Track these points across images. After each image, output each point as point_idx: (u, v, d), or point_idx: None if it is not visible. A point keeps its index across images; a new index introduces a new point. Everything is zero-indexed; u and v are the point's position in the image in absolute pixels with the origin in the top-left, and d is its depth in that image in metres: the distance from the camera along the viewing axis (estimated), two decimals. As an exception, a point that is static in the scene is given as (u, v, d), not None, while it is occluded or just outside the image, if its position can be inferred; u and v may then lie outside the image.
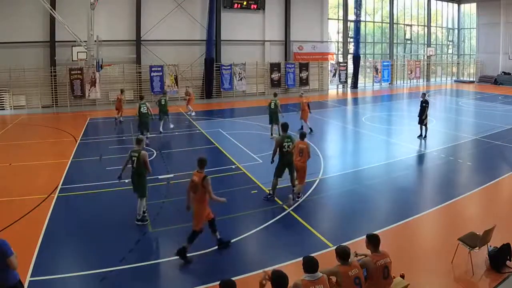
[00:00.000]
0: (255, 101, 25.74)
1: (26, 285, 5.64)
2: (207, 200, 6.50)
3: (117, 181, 8.26)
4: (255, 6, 27.74)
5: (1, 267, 4.29)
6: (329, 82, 32.12)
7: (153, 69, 24.45)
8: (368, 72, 35.66)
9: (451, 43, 41.88)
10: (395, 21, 36.44)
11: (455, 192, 9.44)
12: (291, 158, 8.94)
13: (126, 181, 9.58)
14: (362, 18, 32.96)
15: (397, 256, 5.82)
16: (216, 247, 6.85)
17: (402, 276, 5.31)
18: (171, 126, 17.12)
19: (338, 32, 33.75)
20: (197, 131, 16.70)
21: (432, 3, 38.83)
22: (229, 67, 26.90)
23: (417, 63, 37.12)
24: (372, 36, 36.96)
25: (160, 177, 10.39)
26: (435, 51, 38.58)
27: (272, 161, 9.15)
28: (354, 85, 32.94)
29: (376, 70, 34.59)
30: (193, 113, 20.29)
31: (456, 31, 41.78)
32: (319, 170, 11.01)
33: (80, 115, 20.73)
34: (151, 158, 9.80)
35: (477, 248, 6.05)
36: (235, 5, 27.11)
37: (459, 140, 14.98)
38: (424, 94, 15.26)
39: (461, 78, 40.29)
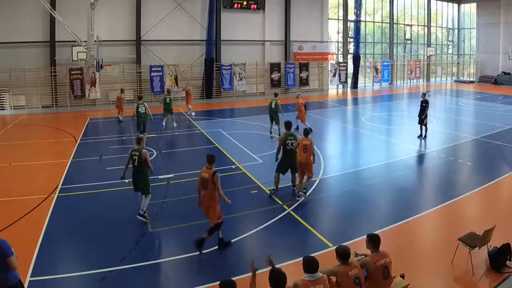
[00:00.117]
0: (255, 101, 25.74)
1: (26, 285, 5.64)
2: (217, 195, 6.66)
3: (119, 181, 8.27)
4: (255, 6, 27.73)
5: (1, 267, 4.29)
6: (329, 82, 32.11)
7: (153, 69, 24.45)
8: (368, 72, 35.66)
9: (451, 43, 41.88)
10: (395, 21, 36.44)
11: (455, 192, 9.45)
12: (294, 155, 9.05)
13: (126, 181, 9.58)
14: (362, 18, 32.96)
15: (397, 256, 5.82)
16: (217, 247, 6.85)
17: (402, 276, 5.31)
18: (175, 124, 17.25)
19: (338, 32, 33.75)
20: (197, 131, 16.71)
21: (432, 3, 38.84)
22: (229, 67, 26.90)
23: (417, 63, 37.12)
24: (372, 36, 36.96)
25: (160, 177, 10.38)
26: (435, 51, 38.58)
27: (277, 159, 9.27)
28: (354, 85, 32.94)
29: (376, 70, 34.60)
30: (193, 113, 20.29)
31: (456, 31, 41.79)
32: (319, 170, 11.00)
33: (80, 115, 20.74)
34: (151, 158, 9.80)
35: (477, 248, 6.05)
36: (235, 5, 27.11)
37: (459, 140, 14.99)
38: (424, 94, 15.26)
39: (461, 78, 40.30)
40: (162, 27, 24.65)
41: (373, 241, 4.91)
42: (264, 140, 14.79)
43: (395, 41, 36.99)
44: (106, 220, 8.07)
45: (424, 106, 14.53)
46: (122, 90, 19.48)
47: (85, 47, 17.87)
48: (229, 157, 12.61)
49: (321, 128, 17.32)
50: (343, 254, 4.58)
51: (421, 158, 12.90)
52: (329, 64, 31.73)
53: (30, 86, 21.87)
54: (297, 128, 15.38)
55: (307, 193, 9.26)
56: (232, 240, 7.05)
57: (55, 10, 19.02)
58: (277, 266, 4.41)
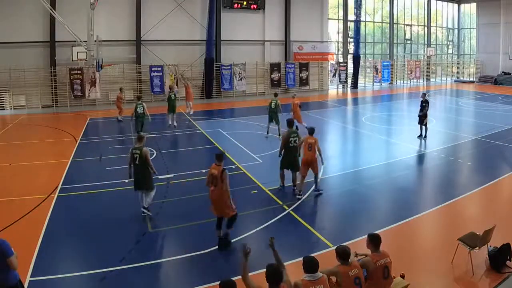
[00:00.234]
0: (255, 101, 25.74)
1: (26, 285, 5.64)
2: (226, 190, 6.79)
3: (119, 181, 8.29)
4: (255, 6, 27.72)
5: (1, 267, 4.29)
6: (329, 82, 32.09)
7: (153, 69, 24.45)
8: (368, 72, 35.65)
9: (451, 43, 41.88)
10: (395, 21, 36.43)
11: (455, 192, 9.45)
12: (295, 153, 9.26)
13: (126, 181, 9.60)
14: (362, 18, 32.94)
15: (397, 256, 5.82)
16: (217, 246, 6.85)
17: (402, 276, 5.31)
18: (175, 124, 17.31)
19: (338, 32, 33.74)
20: (197, 131, 16.71)
21: (432, 3, 38.83)
22: (229, 67, 26.90)
23: (417, 63, 37.11)
24: (372, 36, 36.95)
25: (160, 177, 10.37)
26: (435, 51, 38.57)
27: (280, 155, 9.49)
28: (354, 85, 32.93)
29: (376, 70, 34.59)
30: (191, 112, 20.24)
31: (456, 31, 41.78)
32: (319, 170, 10.98)
33: (80, 115, 20.73)
34: (151, 158, 9.80)
35: (477, 248, 6.05)
36: (235, 5, 27.09)
37: (459, 140, 14.99)
38: (424, 94, 15.26)
39: (461, 78, 40.28)
40: (162, 27, 24.64)
41: (374, 241, 4.92)
42: (264, 140, 14.79)
43: (395, 41, 36.99)
44: (106, 220, 8.06)
45: (424, 106, 14.54)
46: (121, 90, 19.47)
47: (85, 47, 17.86)
48: (229, 157, 12.58)
49: (321, 128, 17.28)
50: (343, 254, 4.58)
51: (421, 158, 12.90)
52: (329, 64, 31.71)
53: (30, 86, 21.87)
54: (297, 128, 15.36)
55: (308, 192, 9.28)
56: (232, 240, 7.05)
57: (55, 10, 19.01)
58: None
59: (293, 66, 29.40)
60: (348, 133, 17.38)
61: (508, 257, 6.23)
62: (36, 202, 8.91)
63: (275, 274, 4.01)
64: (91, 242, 7.14)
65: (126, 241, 7.10)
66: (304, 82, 30.11)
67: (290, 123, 9.65)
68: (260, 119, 18.02)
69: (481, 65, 38.50)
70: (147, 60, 24.53)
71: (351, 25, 32.79)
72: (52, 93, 22.51)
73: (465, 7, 40.66)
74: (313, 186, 9.58)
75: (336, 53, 33.21)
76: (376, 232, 5.48)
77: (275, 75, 28.81)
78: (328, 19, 31.87)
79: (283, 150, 9.42)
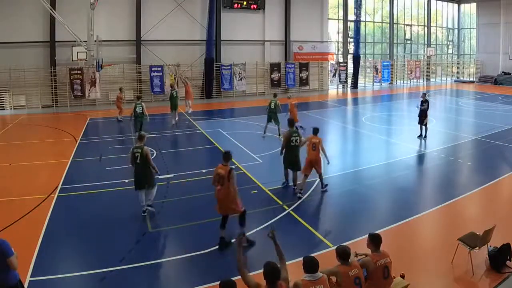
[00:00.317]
0: (255, 101, 25.73)
1: (26, 285, 5.64)
2: (233, 189, 6.84)
3: (119, 181, 8.30)
4: (255, 6, 27.73)
5: (2, 267, 4.29)
6: (329, 82, 32.10)
7: (153, 69, 24.46)
8: (368, 72, 35.66)
9: (451, 43, 41.88)
10: (395, 21, 36.44)
11: (455, 192, 9.45)
12: (296, 152, 9.35)
13: (126, 181, 9.62)
14: (362, 18, 32.95)
15: (397, 256, 5.82)
16: (217, 246, 6.85)
17: (402, 276, 5.31)
18: (176, 120, 17.50)
19: (338, 32, 33.75)
20: (197, 131, 16.70)
21: (432, 3, 38.84)
22: (229, 67, 26.90)
23: (417, 63, 37.12)
24: (372, 36, 36.96)
25: (160, 177, 10.36)
26: (435, 51, 38.58)
27: (282, 153, 9.60)
28: (354, 85, 32.94)
29: (376, 70, 34.59)
30: (190, 110, 20.22)
31: (456, 31, 41.78)
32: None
33: (80, 115, 20.73)
34: (151, 158, 9.81)
35: (477, 248, 6.06)
36: (235, 5, 27.10)
37: (459, 140, 14.99)
38: (424, 94, 15.26)
39: (461, 78, 40.29)
40: (162, 27, 24.64)
41: (375, 240, 4.91)
42: (264, 140, 14.79)
43: (395, 41, 36.99)
44: (106, 220, 8.06)
45: (424, 106, 14.54)
46: (121, 89, 19.46)
47: (85, 47, 17.86)
48: (229, 157, 12.59)
49: (321, 128, 17.05)
50: (343, 254, 4.58)
51: (421, 158, 12.90)
52: (329, 64, 31.72)
53: (30, 86, 21.87)
54: (296, 128, 15.40)
55: (309, 192, 9.32)
56: (232, 240, 7.05)
57: (55, 10, 19.01)
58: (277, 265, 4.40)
59: (293, 66, 29.40)
60: (348, 133, 17.37)
61: (508, 257, 6.23)
62: (36, 202, 8.91)
63: (273, 273, 4.01)
64: (91, 242, 7.14)
65: (126, 241, 7.10)
66: (304, 82, 30.11)
67: (291, 122, 9.72)
68: (260, 119, 18.00)
69: (481, 65, 38.51)
70: (147, 60, 24.54)
71: (351, 25, 32.80)
72: (52, 93, 22.52)
73: (465, 7, 40.66)
74: (314, 186, 9.60)
75: (336, 53, 33.22)
76: (376, 232, 5.48)
77: (275, 75, 28.82)
78: (328, 19, 31.87)
79: (284, 150, 9.51)
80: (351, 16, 32.67)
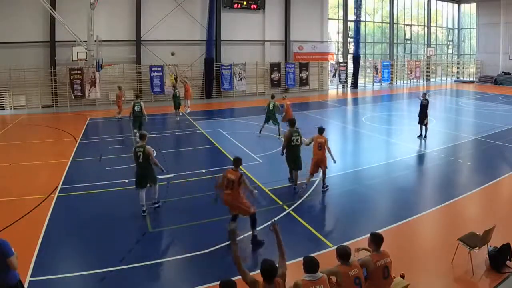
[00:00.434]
0: (255, 101, 25.71)
1: (26, 285, 5.64)
2: (242, 192, 7.00)
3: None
4: (255, 6, 27.72)
5: (2, 268, 4.29)
6: (329, 82, 32.09)
7: (153, 69, 24.46)
8: (368, 72, 35.65)
9: (451, 43, 41.87)
10: (395, 21, 36.43)
11: (455, 192, 9.45)
12: (297, 152, 9.44)
13: (126, 181, 9.62)
14: (362, 18, 32.93)
15: (397, 256, 5.81)
16: (217, 246, 6.85)
17: (402, 276, 5.31)
18: (178, 118, 18.14)
19: (338, 32, 33.74)
20: (197, 131, 16.70)
21: (432, 3, 38.83)
22: (229, 67, 26.90)
23: (417, 63, 37.11)
24: (372, 36, 36.95)
25: (160, 177, 10.36)
26: (435, 51, 38.57)
27: (282, 154, 9.71)
28: (354, 85, 32.93)
29: (376, 70, 34.58)
30: (188, 110, 20.17)
31: (456, 31, 41.78)
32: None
33: (80, 115, 20.73)
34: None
35: (477, 248, 6.06)
36: (235, 5, 27.09)
37: (459, 140, 14.99)
38: (424, 94, 15.27)
39: (461, 78, 40.28)
40: (162, 27, 24.64)
41: (376, 240, 4.91)
42: (264, 140, 14.79)
43: (395, 41, 36.98)
44: (106, 220, 8.06)
45: (424, 106, 14.55)
46: (120, 88, 19.41)
47: (85, 47, 17.86)
48: (229, 157, 12.59)
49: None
50: (343, 254, 4.58)
51: (421, 158, 12.90)
52: (329, 64, 31.71)
53: (30, 86, 21.87)
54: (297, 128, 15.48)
55: (309, 192, 9.34)
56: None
57: (55, 10, 19.01)
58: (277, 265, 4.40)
59: (293, 66, 29.39)
60: (348, 133, 17.37)
61: (508, 257, 6.23)
62: (36, 202, 8.91)
63: (270, 270, 4.03)
64: (91, 242, 7.14)
65: (126, 241, 7.10)
66: (304, 82, 30.11)
67: (292, 122, 9.75)
68: (260, 119, 17.93)
69: (481, 65, 38.50)
70: (147, 60, 24.54)
71: (351, 25, 32.79)
72: (52, 93, 22.52)
73: (465, 7, 40.65)
74: (314, 186, 9.61)
75: (336, 53, 33.21)
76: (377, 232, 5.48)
77: (275, 75, 28.81)
78: (328, 19, 31.86)
79: (285, 149, 9.58)
80: (351, 16, 32.66)
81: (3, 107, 21.53)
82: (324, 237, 7.24)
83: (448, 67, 41.13)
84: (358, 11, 31.65)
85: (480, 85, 36.01)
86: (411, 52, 38.74)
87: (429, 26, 39.13)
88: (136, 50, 24.29)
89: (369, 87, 34.45)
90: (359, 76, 33.39)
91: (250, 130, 16.82)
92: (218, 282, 3.96)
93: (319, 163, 9.30)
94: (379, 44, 37.19)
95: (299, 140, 9.40)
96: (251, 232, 7.07)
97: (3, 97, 21.54)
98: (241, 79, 27.46)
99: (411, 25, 37.97)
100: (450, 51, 42.23)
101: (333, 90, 32.40)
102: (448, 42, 41.70)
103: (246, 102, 25.42)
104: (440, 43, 40.97)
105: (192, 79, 25.36)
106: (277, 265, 4.19)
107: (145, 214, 8.16)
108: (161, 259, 6.63)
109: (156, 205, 8.54)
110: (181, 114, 18.37)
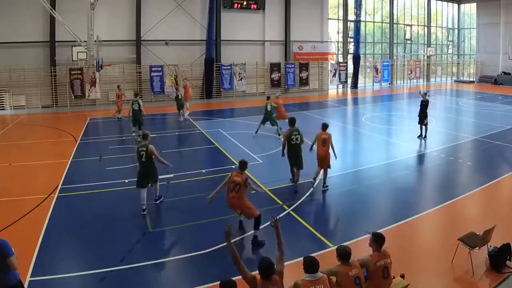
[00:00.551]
0: (255, 101, 25.69)
1: (26, 285, 5.64)
2: (245, 195, 7.08)
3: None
4: (255, 6, 27.72)
5: (2, 268, 4.29)
6: (329, 82, 32.09)
7: (153, 69, 24.46)
8: (368, 72, 35.65)
9: (451, 43, 41.87)
10: (395, 21, 36.43)
11: (455, 192, 9.45)
12: (298, 150, 9.49)
13: (126, 181, 9.62)
14: (362, 18, 32.93)
15: (397, 256, 5.81)
16: (217, 246, 6.85)
17: (402, 276, 5.31)
18: (181, 119, 18.42)
19: (338, 32, 33.74)
20: (197, 131, 16.70)
21: (432, 3, 38.83)
22: (229, 67, 26.90)
23: (417, 63, 37.11)
24: (372, 36, 36.95)
25: (160, 177, 10.36)
26: (435, 51, 38.56)
27: (283, 154, 9.68)
28: (354, 85, 32.93)
29: (376, 70, 34.58)
30: (187, 112, 19.92)
31: (456, 31, 41.78)
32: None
33: (80, 115, 20.73)
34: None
35: (477, 248, 6.06)
36: (235, 5, 27.09)
37: (459, 140, 14.99)
38: (424, 94, 15.27)
39: (461, 78, 40.28)
40: (162, 27, 24.64)
41: (378, 240, 4.91)
42: (264, 140, 14.79)
43: (395, 41, 36.98)
44: (106, 220, 8.06)
45: (424, 106, 14.55)
46: (119, 87, 19.32)
47: (85, 47, 17.85)
48: (229, 157, 12.61)
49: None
50: (343, 254, 4.58)
51: (421, 158, 12.90)
52: (329, 64, 31.71)
53: (30, 86, 21.87)
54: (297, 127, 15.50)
55: (309, 192, 9.35)
56: (232, 240, 7.02)
57: (55, 10, 19.00)
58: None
59: (293, 66, 29.39)
60: (348, 133, 17.37)
61: (508, 257, 6.23)
62: (36, 202, 8.91)
63: (267, 268, 4.05)
64: (91, 242, 7.14)
65: (126, 241, 7.10)
66: (304, 82, 30.11)
67: (291, 121, 9.75)
68: (260, 119, 17.99)
69: (481, 65, 38.50)
70: (147, 60, 24.54)
71: (351, 25, 32.79)
72: (52, 93, 22.52)
73: (465, 7, 40.65)
74: (314, 186, 9.61)
75: (336, 53, 33.21)
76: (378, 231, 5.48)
77: (275, 75, 28.81)
78: (328, 19, 31.86)
79: (285, 149, 9.60)
80: (351, 16, 32.66)
81: (3, 107, 21.53)
82: (324, 237, 7.24)
83: (448, 67, 41.13)
84: (358, 11, 31.65)
85: (480, 85, 36.01)
86: (411, 52, 38.74)
87: (429, 26, 39.13)
88: (136, 50, 24.30)
89: (369, 87, 34.45)
90: (359, 76, 33.39)
91: (250, 130, 16.80)
92: (218, 282, 3.96)
93: (323, 159, 9.34)
94: (379, 44, 37.19)
95: (299, 139, 9.43)
96: (252, 232, 7.07)
97: (3, 97, 21.54)
98: (241, 79, 27.46)
99: (411, 25, 37.97)
100: (450, 51, 42.23)
101: (333, 90, 32.39)
102: (448, 42, 41.70)
103: (246, 102, 25.41)
104: (440, 43, 40.97)
105: (192, 79, 25.34)
106: (275, 263, 4.21)
107: (145, 213, 8.17)
108: (161, 259, 6.62)
109: (159, 200, 8.70)
110: (185, 115, 18.66)
